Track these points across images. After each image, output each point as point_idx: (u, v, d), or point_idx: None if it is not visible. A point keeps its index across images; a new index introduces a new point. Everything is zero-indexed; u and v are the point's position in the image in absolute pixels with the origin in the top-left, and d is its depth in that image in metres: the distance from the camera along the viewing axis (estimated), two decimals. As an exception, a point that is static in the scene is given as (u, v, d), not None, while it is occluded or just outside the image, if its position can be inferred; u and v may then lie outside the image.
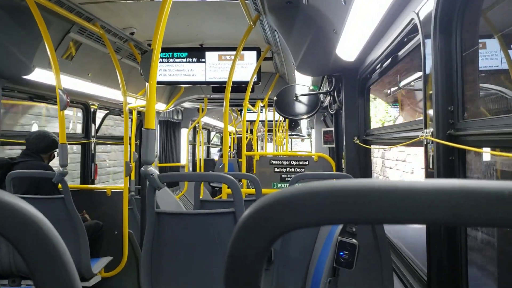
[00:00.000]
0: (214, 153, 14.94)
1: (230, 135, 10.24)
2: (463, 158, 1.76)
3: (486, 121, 1.66)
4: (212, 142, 13.43)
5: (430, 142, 1.86)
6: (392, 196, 0.39)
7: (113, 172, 8.52)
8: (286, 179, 4.97)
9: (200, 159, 9.17)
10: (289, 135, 13.10)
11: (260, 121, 9.38)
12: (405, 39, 2.45)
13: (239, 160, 9.76)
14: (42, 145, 3.79)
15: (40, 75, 3.77)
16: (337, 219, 0.41)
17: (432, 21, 1.78)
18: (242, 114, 5.78)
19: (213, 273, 2.27)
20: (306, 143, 22.51)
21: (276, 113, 8.38)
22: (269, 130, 9.29)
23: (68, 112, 6.98)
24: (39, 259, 0.46)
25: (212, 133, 13.20)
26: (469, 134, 1.66)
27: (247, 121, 10.51)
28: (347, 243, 1.42)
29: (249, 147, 12.58)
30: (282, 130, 11.66)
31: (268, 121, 8.39)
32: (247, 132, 9.92)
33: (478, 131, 1.61)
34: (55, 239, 0.46)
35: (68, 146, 3.52)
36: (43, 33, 3.10)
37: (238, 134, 12.37)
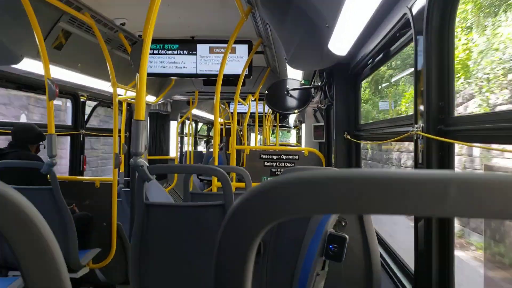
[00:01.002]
0: (200, 144, 14.90)
1: None
2: (452, 153, 1.77)
3: (475, 116, 1.67)
4: (199, 133, 13.39)
5: (420, 137, 1.87)
6: (381, 186, 0.39)
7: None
8: (276, 173, 4.97)
9: (190, 151, 9.16)
10: (280, 126, 13.15)
11: (245, 113, 9.39)
12: (398, 34, 2.46)
13: (227, 152, 9.72)
14: (31, 136, 3.80)
15: (28, 65, 3.73)
16: (325, 209, 0.41)
17: (424, 17, 1.78)
18: (232, 106, 5.77)
19: (201, 265, 2.27)
20: (292, 134, 23.14)
21: (265, 106, 8.37)
22: (258, 121, 9.30)
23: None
24: (27, 249, 0.45)
25: (199, 124, 13.15)
26: (459, 130, 1.67)
27: (231, 112, 10.49)
28: (337, 236, 1.43)
29: (237, 139, 12.53)
30: (271, 123, 11.71)
31: (258, 113, 8.37)
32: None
33: (468, 127, 1.62)
34: (44, 230, 0.46)
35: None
36: (32, 22, 3.06)
37: (227, 126, 12.33)
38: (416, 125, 1.92)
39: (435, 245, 1.78)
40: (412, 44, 1.98)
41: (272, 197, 0.42)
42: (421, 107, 1.87)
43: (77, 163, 5.49)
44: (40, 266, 0.46)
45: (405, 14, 2.06)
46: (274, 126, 12.30)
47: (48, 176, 3.41)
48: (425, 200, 0.38)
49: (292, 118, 13.03)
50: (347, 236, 1.43)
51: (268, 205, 0.42)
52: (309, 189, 0.40)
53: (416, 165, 1.94)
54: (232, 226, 0.44)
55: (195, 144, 12.83)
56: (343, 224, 1.48)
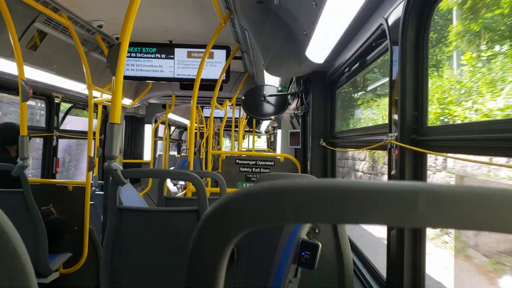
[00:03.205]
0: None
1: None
2: (425, 163, 1.80)
3: (447, 127, 1.70)
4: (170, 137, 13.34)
5: (394, 146, 1.90)
6: (353, 197, 0.39)
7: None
8: (252, 179, 4.98)
9: (164, 155, 9.10)
10: (255, 132, 13.17)
11: (219, 118, 9.35)
12: (374, 44, 2.49)
13: (201, 157, 9.67)
14: (9, 137, 3.67)
15: (2, 65, 3.64)
16: (298, 218, 0.41)
17: (400, 27, 1.81)
18: (206, 111, 5.75)
19: (174, 270, 2.25)
20: (263, 139, 23.89)
21: (241, 111, 8.34)
22: (229, 127, 9.28)
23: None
24: None
25: (172, 128, 13.07)
26: (431, 140, 1.70)
27: (205, 117, 10.45)
28: (309, 243, 1.43)
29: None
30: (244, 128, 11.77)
31: (230, 118, 8.36)
32: (207, 128, 9.88)
33: (440, 137, 1.65)
34: (11, 234, 0.45)
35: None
36: (6, 21, 3.00)
37: (200, 130, 12.30)
38: (390, 134, 1.95)
39: (407, 253, 1.80)
40: (388, 53, 2.01)
41: (245, 206, 0.41)
42: (395, 116, 1.90)
43: (49, 165, 5.39)
44: (6, 271, 0.45)
45: (381, 24, 2.10)
46: (246, 131, 12.28)
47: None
48: (394, 211, 0.39)
49: (264, 124, 13.10)
50: (319, 243, 1.44)
51: (241, 213, 0.42)
52: (282, 198, 0.40)
53: (390, 173, 1.96)
54: (204, 233, 0.44)
55: (168, 148, 12.76)
56: (317, 231, 1.49)
